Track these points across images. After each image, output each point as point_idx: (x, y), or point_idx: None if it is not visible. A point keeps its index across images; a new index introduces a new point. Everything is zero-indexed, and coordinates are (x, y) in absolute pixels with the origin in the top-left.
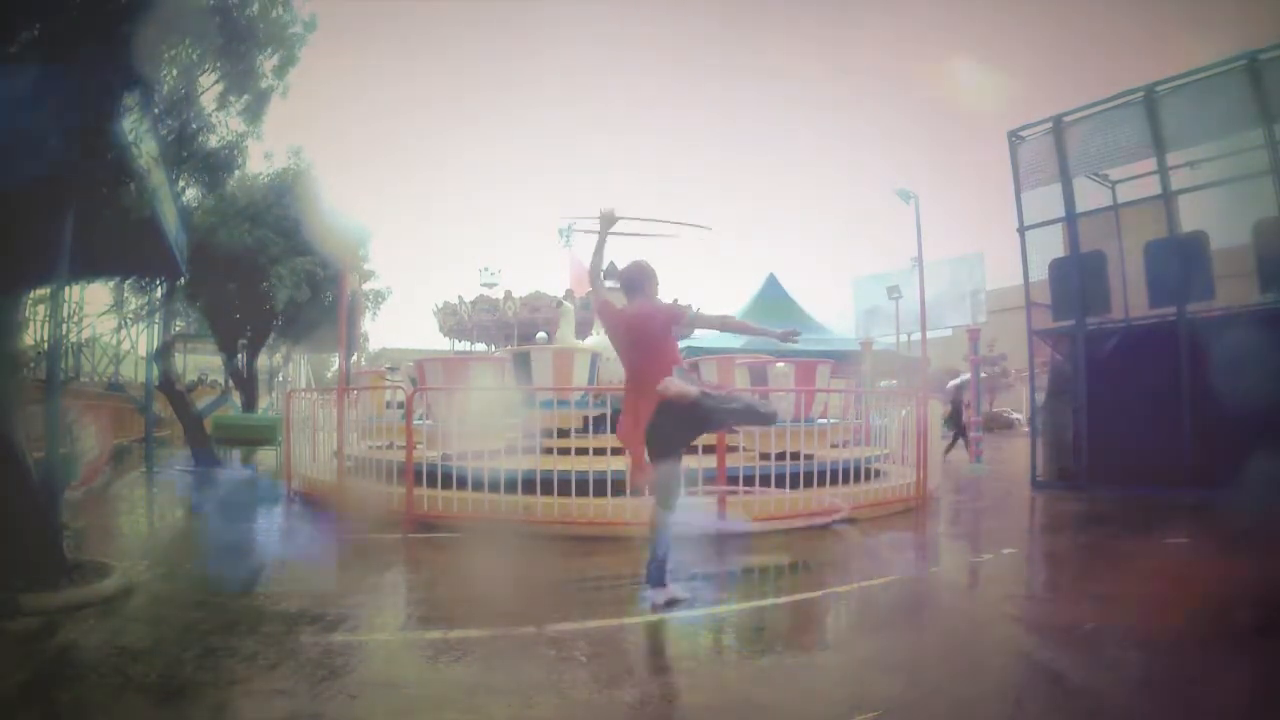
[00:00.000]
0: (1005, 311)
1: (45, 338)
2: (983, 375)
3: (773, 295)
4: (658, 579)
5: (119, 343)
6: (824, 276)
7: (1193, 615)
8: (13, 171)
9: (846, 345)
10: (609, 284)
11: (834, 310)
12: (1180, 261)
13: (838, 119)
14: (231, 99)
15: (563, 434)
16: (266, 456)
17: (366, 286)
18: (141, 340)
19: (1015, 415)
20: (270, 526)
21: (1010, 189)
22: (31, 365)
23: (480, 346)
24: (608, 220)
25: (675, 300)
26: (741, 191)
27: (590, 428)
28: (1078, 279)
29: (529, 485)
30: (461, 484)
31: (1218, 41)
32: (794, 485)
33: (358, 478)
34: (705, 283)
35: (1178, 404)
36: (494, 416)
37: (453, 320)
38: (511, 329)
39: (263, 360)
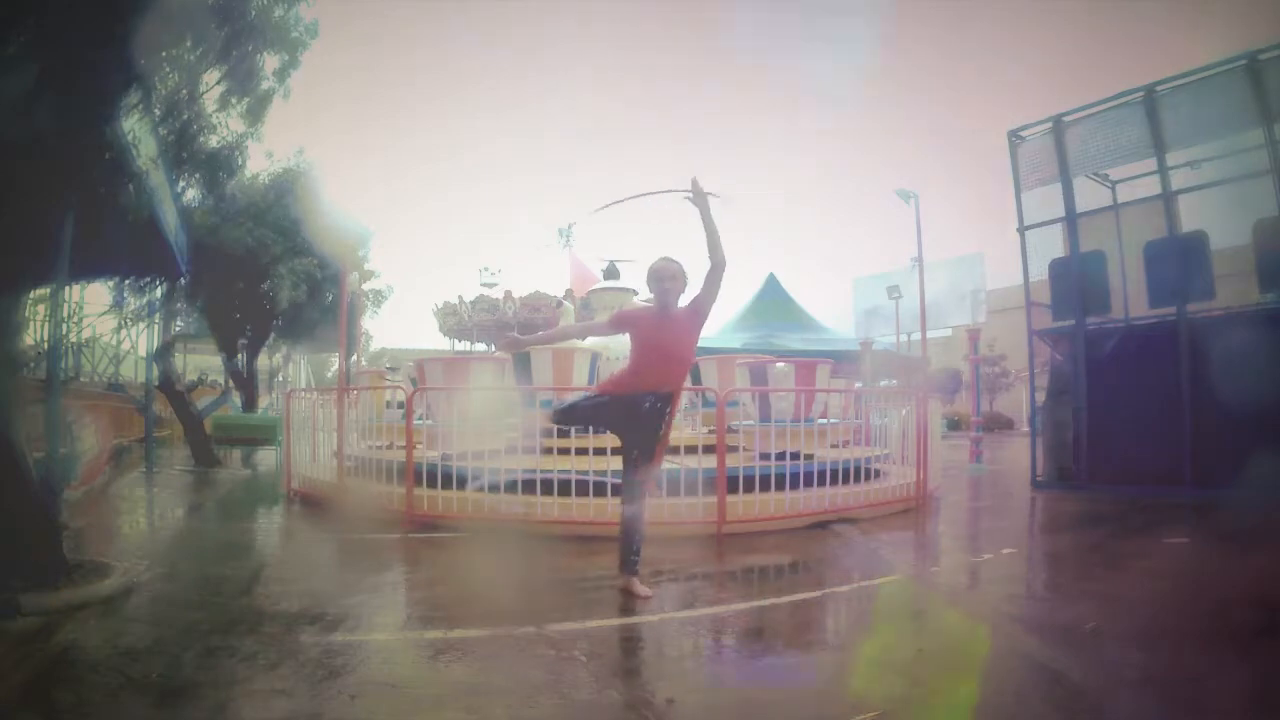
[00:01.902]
0: (1005, 311)
1: (45, 338)
2: (873, 385)
3: (773, 295)
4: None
5: (119, 343)
6: (824, 276)
7: (1193, 615)
8: (13, 172)
9: (846, 345)
10: (608, 284)
11: (834, 310)
12: (1180, 261)
13: (839, 119)
14: (233, 100)
15: (563, 434)
16: (266, 456)
17: (366, 286)
18: (141, 340)
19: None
20: (270, 526)
21: (1010, 189)
22: (31, 365)
23: (480, 346)
24: (698, 190)
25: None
26: (741, 191)
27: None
28: (1078, 279)
29: (529, 485)
30: (461, 484)
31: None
32: (794, 485)
33: (358, 478)
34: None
35: (1178, 404)
36: (494, 416)
37: (453, 320)
38: (511, 329)
39: (263, 360)
